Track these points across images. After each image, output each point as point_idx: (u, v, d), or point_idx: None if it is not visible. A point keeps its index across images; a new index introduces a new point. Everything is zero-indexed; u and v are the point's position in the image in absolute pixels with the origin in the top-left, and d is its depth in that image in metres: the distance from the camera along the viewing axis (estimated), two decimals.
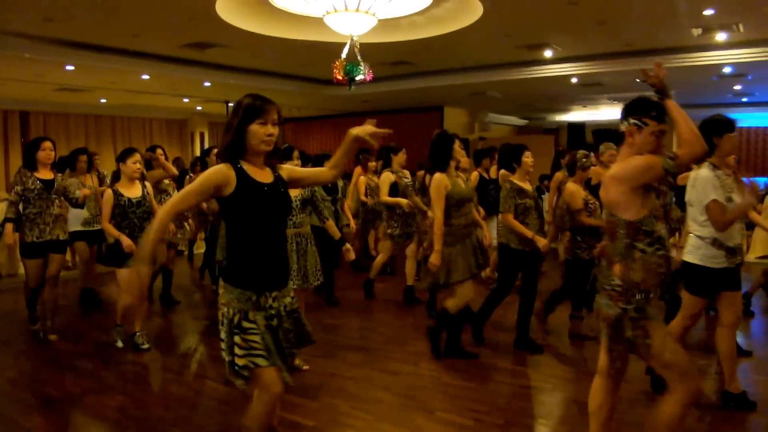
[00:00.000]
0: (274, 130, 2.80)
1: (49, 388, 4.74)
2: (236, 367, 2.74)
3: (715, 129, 3.94)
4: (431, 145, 5.25)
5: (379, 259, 7.77)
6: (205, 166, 7.68)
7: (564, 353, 5.57)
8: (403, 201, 7.14)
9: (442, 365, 5.16)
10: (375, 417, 4.13)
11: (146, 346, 5.55)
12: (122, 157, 5.51)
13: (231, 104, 16.11)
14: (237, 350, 2.73)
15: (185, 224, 7.92)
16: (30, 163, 5.70)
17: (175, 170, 7.51)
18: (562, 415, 4.25)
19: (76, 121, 16.62)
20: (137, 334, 5.58)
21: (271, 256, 2.87)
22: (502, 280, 5.69)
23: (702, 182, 3.93)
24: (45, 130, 15.57)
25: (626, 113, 3.02)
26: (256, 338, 2.75)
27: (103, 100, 15.16)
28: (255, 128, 2.75)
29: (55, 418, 4.22)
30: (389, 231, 7.50)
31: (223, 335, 2.80)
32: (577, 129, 18.71)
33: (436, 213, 4.97)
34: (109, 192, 5.46)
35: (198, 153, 15.84)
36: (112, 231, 5.30)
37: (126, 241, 5.21)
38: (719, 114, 4.07)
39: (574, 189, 5.61)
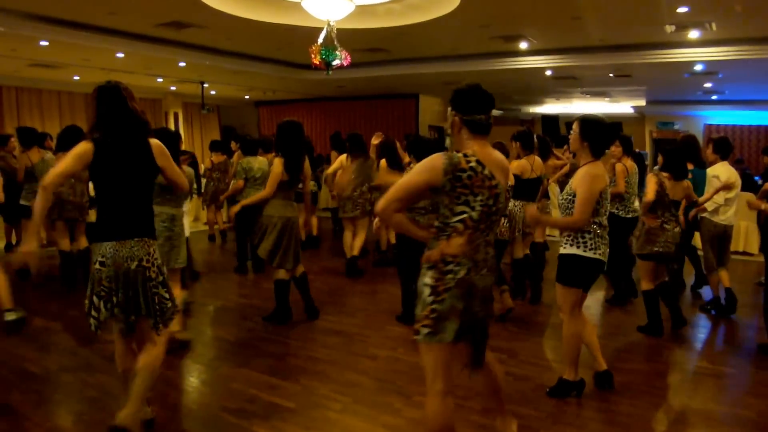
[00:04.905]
0: None
1: (26, 364, 4.77)
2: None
3: None
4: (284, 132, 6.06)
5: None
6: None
7: (541, 342, 5.66)
8: None
9: (419, 350, 5.23)
10: (353, 399, 4.22)
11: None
12: None
13: (206, 85, 16.01)
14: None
15: None
16: None
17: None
18: (539, 401, 4.28)
19: (49, 97, 16.33)
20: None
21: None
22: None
23: None
24: (18, 105, 15.38)
25: None
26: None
27: (77, 78, 14.92)
28: None
29: (35, 394, 4.24)
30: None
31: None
32: (550, 121, 18.99)
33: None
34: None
35: None
36: None
37: None
38: None
39: None
